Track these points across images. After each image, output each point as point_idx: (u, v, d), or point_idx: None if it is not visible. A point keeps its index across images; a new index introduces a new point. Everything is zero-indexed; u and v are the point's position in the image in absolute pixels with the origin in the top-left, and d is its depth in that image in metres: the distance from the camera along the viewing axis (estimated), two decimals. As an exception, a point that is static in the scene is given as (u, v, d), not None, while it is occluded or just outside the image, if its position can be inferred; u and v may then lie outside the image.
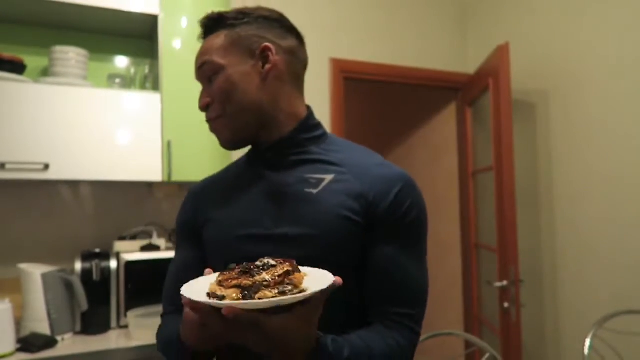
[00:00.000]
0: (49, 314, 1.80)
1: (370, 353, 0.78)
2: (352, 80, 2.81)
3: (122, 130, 1.97)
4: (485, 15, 2.97)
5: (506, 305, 2.29)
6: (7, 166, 1.79)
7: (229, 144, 0.90)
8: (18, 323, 1.93)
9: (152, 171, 2.00)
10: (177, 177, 2.04)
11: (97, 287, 1.93)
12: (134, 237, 2.22)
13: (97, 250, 2.00)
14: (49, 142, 1.85)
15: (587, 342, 1.83)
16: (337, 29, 2.72)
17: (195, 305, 0.64)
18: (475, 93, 2.78)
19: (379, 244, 0.84)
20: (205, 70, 0.88)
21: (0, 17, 2.06)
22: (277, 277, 0.62)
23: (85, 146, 1.91)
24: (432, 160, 3.55)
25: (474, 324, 2.93)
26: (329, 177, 0.87)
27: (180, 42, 2.09)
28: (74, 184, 2.20)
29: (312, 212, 0.84)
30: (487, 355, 1.68)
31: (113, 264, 1.97)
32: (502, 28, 2.86)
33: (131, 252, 2.00)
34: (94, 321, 1.91)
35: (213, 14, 0.90)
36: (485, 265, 2.80)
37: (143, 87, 2.26)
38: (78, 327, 1.92)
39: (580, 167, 2.40)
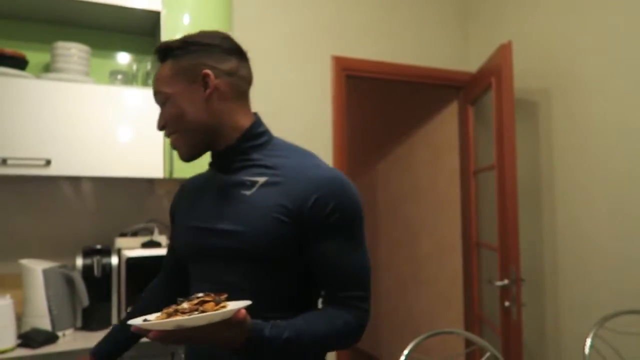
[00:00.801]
0: (50, 310, 1.80)
1: (313, 331, 0.90)
2: (354, 78, 2.81)
3: (123, 127, 1.97)
4: (487, 14, 2.97)
5: (507, 304, 2.29)
6: (9, 162, 1.79)
7: (186, 157, 1.03)
8: (19, 318, 1.94)
9: (153, 168, 2.00)
10: (178, 173, 2.04)
11: (98, 283, 1.93)
12: (135, 234, 2.22)
13: (98, 247, 2.00)
14: (51, 138, 1.85)
15: (588, 341, 1.83)
16: (339, 27, 2.72)
17: (134, 327, 0.77)
18: (477, 92, 2.78)
19: (313, 241, 0.95)
20: (158, 98, 1.02)
21: (2, 13, 2.06)
22: (192, 305, 0.79)
23: (86, 142, 1.91)
24: (434, 159, 3.55)
25: (474, 323, 2.93)
26: (261, 180, 0.98)
27: (182, 39, 2.09)
28: (75, 180, 2.20)
29: (243, 211, 0.97)
30: (487, 354, 1.67)
31: (114, 260, 1.98)
32: (505, 26, 2.85)
33: (132, 249, 2.00)
34: (95, 317, 1.92)
35: (161, 45, 1.02)
36: (486, 264, 2.80)
37: (145, 83, 2.26)
38: (79, 323, 1.93)
39: (582, 166, 2.40)
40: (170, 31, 2.06)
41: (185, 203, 1.12)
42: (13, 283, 2.06)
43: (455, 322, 3.31)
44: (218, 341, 0.81)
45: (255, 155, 1.02)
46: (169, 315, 0.78)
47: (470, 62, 3.08)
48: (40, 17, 2.11)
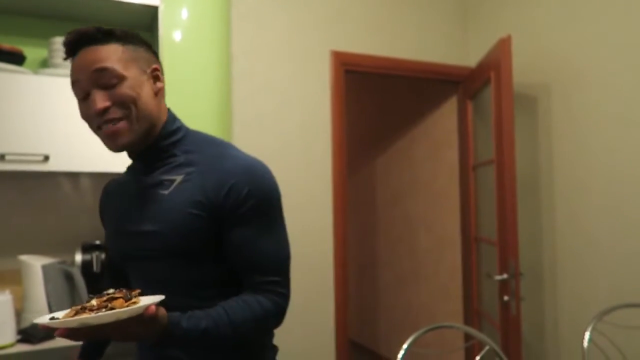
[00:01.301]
0: (50, 306, 1.80)
1: (232, 319, 0.92)
2: (353, 73, 2.80)
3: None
4: (486, 8, 2.96)
5: (506, 298, 2.29)
6: (7, 157, 1.78)
7: (125, 147, 0.97)
8: (18, 314, 1.94)
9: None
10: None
11: (97, 278, 1.93)
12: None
13: (97, 242, 2.00)
14: (49, 133, 1.85)
15: (587, 335, 1.84)
16: (338, 21, 2.71)
17: (41, 324, 0.78)
18: (476, 86, 2.77)
19: (229, 229, 0.96)
20: (104, 77, 0.94)
21: (-1, 8, 2.05)
22: (101, 302, 0.79)
23: (85, 138, 1.90)
24: (433, 154, 3.55)
25: (473, 317, 2.94)
26: (179, 178, 0.99)
27: (180, 34, 2.08)
28: (73, 176, 2.20)
29: (161, 210, 0.98)
30: (486, 348, 1.68)
31: (113, 255, 1.97)
32: (504, 21, 2.84)
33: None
34: (95, 313, 1.92)
35: (101, 27, 0.98)
36: (485, 259, 2.80)
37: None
38: (78, 319, 1.93)
39: (581, 160, 2.40)
40: (169, 26, 2.06)
41: (110, 207, 1.13)
42: (12, 279, 2.06)
43: (454, 317, 3.32)
44: (131, 337, 0.82)
45: (173, 152, 1.03)
46: (77, 312, 0.78)
47: (469, 56, 3.08)
48: (38, 12, 2.10)
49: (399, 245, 3.96)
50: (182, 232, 0.95)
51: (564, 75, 2.48)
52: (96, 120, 0.96)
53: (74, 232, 2.18)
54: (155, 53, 1.06)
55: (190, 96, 2.43)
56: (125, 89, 0.95)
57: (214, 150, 1.01)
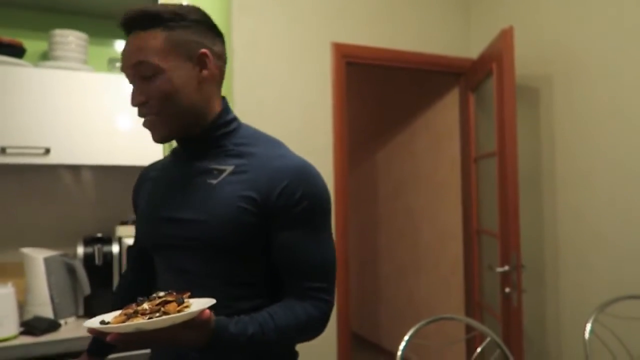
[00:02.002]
0: (52, 298, 1.80)
1: (277, 325, 0.88)
2: (354, 65, 2.79)
3: (122, 115, 1.96)
4: (489, -1, 2.94)
5: (507, 290, 2.29)
6: (8, 150, 1.78)
7: (162, 140, 0.96)
8: (21, 307, 1.95)
9: (152, 156, 1.99)
10: (178, 162, 2.04)
11: (99, 271, 1.94)
12: (135, 222, 2.22)
13: (99, 235, 2.01)
14: (50, 126, 1.85)
15: (588, 326, 1.84)
16: (339, 13, 2.69)
17: (90, 329, 0.75)
18: (478, 78, 2.76)
19: (279, 230, 0.93)
20: (142, 70, 0.91)
21: (-1, 0, 2.04)
22: (154, 306, 0.76)
23: (86, 130, 1.90)
24: (434, 146, 3.54)
25: (474, 310, 2.95)
26: (229, 169, 0.95)
27: (180, 26, 2.07)
28: (75, 169, 2.20)
29: (207, 200, 0.93)
30: (488, 340, 1.68)
31: (115, 248, 1.98)
32: (506, 12, 2.82)
33: (133, 237, 2.00)
34: (97, 305, 1.92)
35: (148, 9, 0.91)
36: (486, 251, 2.80)
37: (143, 71, 2.24)
38: (81, 311, 1.94)
39: (583, 152, 2.39)
40: (169, 18, 2.05)
41: (146, 192, 1.08)
42: (14, 272, 2.06)
43: (455, 309, 3.33)
44: (182, 342, 0.78)
45: (224, 143, 0.98)
46: (128, 316, 0.75)
47: (471, 48, 3.06)
48: (38, 5, 2.09)
49: (400, 238, 3.96)
50: (228, 226, 0.91)
51: (567, 67, 2.47)
52: (137, 110, 0.95)
53: (75, 225, 2.18)
54: (212, 32, 0.97)
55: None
56: (161, 83, 0.91)
57: (267, 146, 0.98)
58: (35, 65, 1.92)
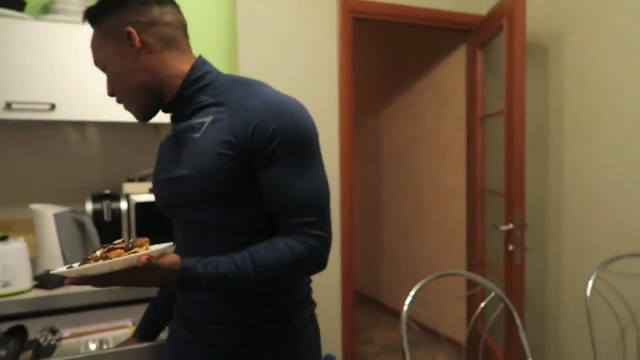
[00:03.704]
0: (63, 253, 1.83)
1: (256, 263, 0.90)
2: (361, 21, 2.73)
3: (127, 70, 1.93)
4: (500, -48, 2.84)
5: (511, 247, 2.32)
6: (13, 106, 1.76)
7: (143, 119, 1.04)
8: (33, 262, 1.98)
9: (158, 113, 1.97)
10: (184, 118, 2.02)
11: (108, 227, 1.95)
12: (142, 179, 2.23)
13: (107, 192, 2.01)
14: (55, 81, 1.82)
15: (590, 283, 1.87)
16: (346, -34, 2.61)
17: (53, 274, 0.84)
18: (487, 34, 2.70)
19: (260, 170, 0.93)
20: (98, 66, 1.02)
21: (-4, -50, 1.97)
22: (102, 253, 0.83)
23: (91, 86, 1.87)
24: (440, 105, 3.51)
25: (476, 268, 2.99)
26: (208, 120, 0.97)
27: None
28: (80, 125, 2.18)
29: (192, 154, 0.96)
30: (492, 295, 1.71)
31: (123, 205, 1.99)
32: (518, -35, 2.73)
33: (140, 194, 2.01)
34: (107, 260, 1.95)
35: (84, 13, 1.00)
36: (488, 211, 2.82)
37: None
38: (91, 266, 1.96)
39: (590, 112, 2.37)
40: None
41: (157, 159, 1.14)
42: (23, 228, 2.08)
43: (457, 267, 3.38)
44: (142, 284, 0.84)
45: (202, 97, 1.00)
46: (82, 262, 0.83)
47: (480, 4, 2.98)
48: (36, -45, 2.02)
49: (403, 198, 3.98)
50: (212, 174, 0.93)
51: (577, 25, 2.41)
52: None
53: (82, 181, 2.19)
54: (135, 3, 0.99)
55: (194, 46, 2.37)
56: (109, 73, 0.99)
57: (243, 89, 0.97)
58: (37, 18, 1.88)
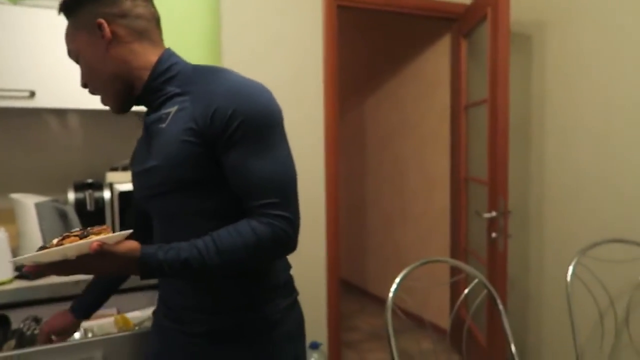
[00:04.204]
0: (45, 243, 1.80)
1: (219, 247, 0.90)
2: (345, 8, 2.71)
3: (109, 57, 1.89)
4: (484, -60, 2.84)
5: (494, 235, 2.35)
6: (-9, 93, 1.72)
7: (118, 111, 1.05)
8: (14, 252, 1.94)
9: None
10: (168, 106, 2.00)
11: (91, 217, 1.93)
12: (125, 168, 2.20)
13: (90, 181, 1.98)
14: (34, 68, 1.78)
15: (570, 268, 1.91)
16: (331, -47, 2.59)
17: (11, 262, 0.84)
18: (471, 23, 2.71)
19: (223, 154, 0.94)
20: (71, 56, 1.03)
21: None
22: (58, 241, 0.83)
23: (72, 73, 1.84)
24: (424, 94, 3.52)
25: (460, 255, 3.03)
26: (174, 109, 0.98)
27: (166, -37, 1.97)
28: (61, 113, 2.14)
29: (159, 144, 0.97)
30: (475, 281, 1.74)
31: (106, 194, 1.96)
32: (502, -46, 2.74)
33: (123, 183, 1.98)
34: (90, 250, 1.93)
35: (60, 3, 1.01)
36: (472, 199, 2.85)
37: (128, 12, 2.15)
38: (74, 256, 1.94)
39: (572, 100, 2.40)
40: (154, -46, 1.94)
41: (133, 153, 1.16)
42: (4, 218, 2.05)
43: (441, 255, 3.42)
44: (99, 271, 0.85)
45: (169, 88, 1.01)
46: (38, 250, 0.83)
47: (464, -8, 2.99)
48: (12, -63, 1.97)
49: (387, 186, 4.01)
50: (178, 162, 0.94)
51: (561, 14, 2.44)
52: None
53: (64, 170, 2.15)
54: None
55: (176, 35, 2.34)
56: (82, 64, 1.01)
57: (207, 77, 0.98)
58: (15, 3, 1.83)
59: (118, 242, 0.86)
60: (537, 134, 2.61)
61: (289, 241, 0.94)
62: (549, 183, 2.56)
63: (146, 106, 1.06)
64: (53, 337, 1.27)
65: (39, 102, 1.79)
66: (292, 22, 2.51)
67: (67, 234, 0.84)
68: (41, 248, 0.83)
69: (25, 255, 0.81)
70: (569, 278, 1.91)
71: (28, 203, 1.79)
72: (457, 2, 2.93)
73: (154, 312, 1.16)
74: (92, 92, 1.04)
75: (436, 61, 3.37)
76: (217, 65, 1.03)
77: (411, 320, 3.75)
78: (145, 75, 1.02)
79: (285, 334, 1.04)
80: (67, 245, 0.80)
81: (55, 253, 0.79)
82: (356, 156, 4.43)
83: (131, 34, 1.00)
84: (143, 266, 0.87)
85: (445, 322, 3.40)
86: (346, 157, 4.59)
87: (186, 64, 1.04)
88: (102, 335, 1.19)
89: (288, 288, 1.08)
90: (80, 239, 0.83)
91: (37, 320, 1.49)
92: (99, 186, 1.97)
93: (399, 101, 3.81)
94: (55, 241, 0.83)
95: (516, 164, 2.75)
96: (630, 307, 2.15)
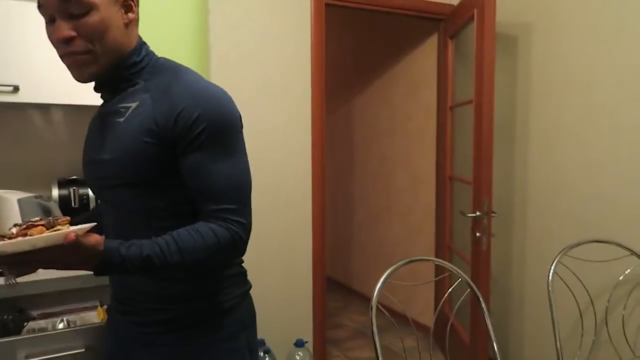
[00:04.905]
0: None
1: (180, 246, 0.90)
2: (333, 7, 2.72)
3: (95, 53, 1.87)
4: (472, -58, 2.86)
5: (478, 234, 2.38)
6: (-26, 87, 1.70)
7: (87, 79, 0.97)
8: (-5, 249, 1.91)
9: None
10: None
11: (76, 213, 1.91)
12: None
13: (74, 177, 1.97)
14: (18, 63, 1.76)
15: (552, 268, 1.94)
16: (320, -49, 2.59)
17: None
18: (458, 24, 2.74)
19: (183, 156, 0.94)
20: (72, 6, 0.90)
21: None
22: (21, 230, 0.77)
23: (57, 68, 1.81)
24: (411, 93, 3.54)
25: (444, 253, 3.06)
26: (133, 105, 0.97)
27: (154, -42, 1.95)
28: (45, 108, 2.12)
29: (115, 139, 0.97)
30: (459, 280, 1.76)
31: (91, 191, 1.95)
32: (489, -44, 2.76)
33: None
34: (74, 247, 1.91)
35: None
36: (457, 197, 2.88)
37: (114, 6, 2.13)
38: (58, 253, 1.92)
39: (555, 101, 2.44)
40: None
41: (85, 140, 1.13)
42: (-14, 214, 2.01)
43: (425, 253, 3.45)
44: (62, 265, 0.82)
45: (133, 80, 1.01)
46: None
47: (451, -7, 3.01)
48: None
49: (373, 184, 4.03)
50: (135, 161, 0.94)
51: (546, 15, 2.47)
52: (61, 47, 0.94)
53: (47, 166, 2.13)
54: None
55: (164, 29, 2.32)
56: (93, 20, 0.92)
57: (169, 76, 0.98)
58: (-2, -4, 1.80)
59: (84, 234, 0.83)
60: (521, 134, 2.65)
61: (243, 246, 0.97)
62: (532, 183, 2.59)
63: (105, 91, 1.04)
64: None
65: (23, 97, 1.77)
66: (280, 20, 2.51)
67: (29, 222, 0.80)
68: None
69: None
70: (550, 277, 1.94)
71: (11, 199, 1.76)
72: (444, 2, 2.95)
73: (108, 310, 1.16)
74: (81, 50, 0.93)
75: (423, 61, 3.39)
76: (178, 63, 1.03)
77: (395, 318, 3.79)
78: (125, 60, 1.00)
79: (239, 321, 1.07)
80: (40, 235, 0.76)
81: (24, 243, 0.74)
82: (343, 153, 4.44)
83: (137, 20, 1.02)
84: (106, 260, 0.86)
85: (429, 320, 3.43)
86: (334, 154, 4.60)
87: (154, 57, 1.04)
88: (84, 325, 1.20)
89: (241, 279, 1.10)
90: (47, 228, 0.79)
91: (21, 311, 1.48)
92: (83, 182, 1.95)
93: (386, 100, 3.82)
94: (14, 230, 0.78)
95: (501, 164, 2.78)
96: (609, 306, 2.19)
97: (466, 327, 2.65)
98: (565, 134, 2.40)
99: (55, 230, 0.79)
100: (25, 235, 0.77)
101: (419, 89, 3.45)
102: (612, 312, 2.20)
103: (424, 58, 3.39)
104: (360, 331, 3.51)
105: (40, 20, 1.77)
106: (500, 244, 2.80)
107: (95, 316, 1.70)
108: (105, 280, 1.75)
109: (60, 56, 0.96)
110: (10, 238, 0.76)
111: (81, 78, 0.97)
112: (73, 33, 0.91)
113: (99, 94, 1.06)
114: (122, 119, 0.97)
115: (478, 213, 2.40)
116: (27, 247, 0.75)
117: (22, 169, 2.09)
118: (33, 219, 0.81)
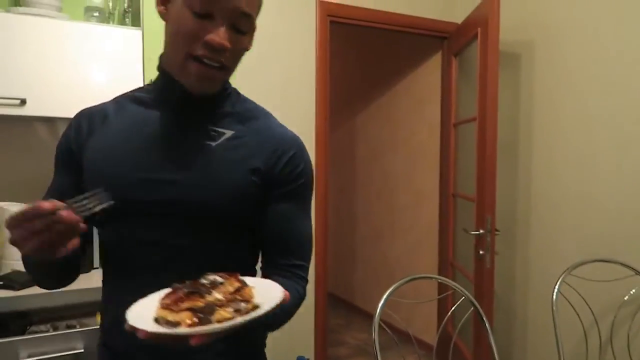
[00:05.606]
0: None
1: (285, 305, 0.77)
2: (338, 24, 2.74)
3: (101, 67, 1.89)
4: (476, -38, 2.90)
5: (481, 252, 2.37)
6: (-19, 100, 1.71)
7: (209, 92, 0.88)
8: (-2, 261, 1.92)
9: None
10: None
11: (78, 226, 1.91)
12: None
13: (78, 190, 1.97)
14: (26, 76, 1.77)
15: (556, 287, 1.93)
16: (325, -31, 2.62)
17: (154, 335, 0.61)
18: (462, 42, 2.76)
19: (275, 201, 0.88)
20: (242, 22, 0.83)
21: (-35, -61, 1.91)
22: (229, 295, 0.64)
23: (62, 82, 1.83)
24: (414, 110, 3.55)
25: (447, 271, 3.04)
26: (228, 133, 0.88)
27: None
28: (51, 121, 2.13)
29: (209, 162, 0.85)
30: (462, 299, 1.75)
31: (94, 204, 1.95)
32: (493, -24, 2.79)
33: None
34: (76, 260, 1.91)
35: None
36: (460, 214, 2.87)
37: (122, 22, 2.16)
38: (60, 266, 1.92)
39: (557, 120, 2.44)
40: (149, -34, 1.96)
41: (107, 143, 0.89)
42: (-11, 226, 2.02)
43: (428, 271, 3.42)
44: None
45: (223, 105, 0.92)
46: (199, 311, 0.60)
47: (455, 12, 3.04)
48: (8, -54, 1.97)
49: (376, 201, 4.02)
50: (241, 195, 0.85)
51: (549, 33, 2.48)
52: (207, 50, 0.81)
53: (51, 179, 2.13)
54: None
55: (171, 43, 2.35)
56: (247, 42, 0.87)
57: (265, 116, 0.95)
58: (7, 10, 1.83)
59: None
60: (524, 152, 2.64)
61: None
62: (535, 202, 2.58)
63: (191, 108, 0.89)
64: None
65: (29, 111, 1.79)
66: (285, 36, 2.53)
67: (228, 283, 0.64)
68: (158, 320, 0.61)
69: (205, 327, 0.59)
70: (554, 296, 1.92)
71: (13, 211, 1.77)
72: (448, 21, 2.98)
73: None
74: (223, 65, 0.85)
75: (427, 78, 3.41)
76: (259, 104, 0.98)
77: (397, 335, 3.75)
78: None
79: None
80: (247, 317, 0.60)
81: (249, 318, 0.60)
82: (346, 170, 4.45)
83: None
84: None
85: (431, 338, 3.40)
86: (337, 170, 4.60)
87: (234, 87, 0.98)
88: (84, 328, 1.20)
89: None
90: (227, 296, 0.63)
91: (22, 315, 1.50)
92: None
93: (390, 116, 3.84)
94: (220, 296, 0.63)
95: (504, 182, 2.78)
96: (614, 326, 2.16)
97: (469, 345, 2.62)
98: (568, 151, 2.39)
99: (245, 301, 0.64)
100: (235, 299, 0.63)
101: (423, 106, 3.46)
102: (617, 333, 2.18)
103: (428, 75, 3.40)
104: (361, 348, 3.47)
105: (46, 34, 1.80)
106: (504, 261, 2.78)
107: (94, 321, 1.70)
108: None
109: (195, 56, 0.82)
110: (221, 305, 0.62)
111: (204, 89, 0.86)
112: (230, 45, 0.82)
113: (159, 103, 0.90)
114: (213, 143, 0.86)
115: (481, 231, 2.38)
116: (244, 323, 0.61)
117: (26, 180, 2.10)
118: (211, 276, 0.67)
